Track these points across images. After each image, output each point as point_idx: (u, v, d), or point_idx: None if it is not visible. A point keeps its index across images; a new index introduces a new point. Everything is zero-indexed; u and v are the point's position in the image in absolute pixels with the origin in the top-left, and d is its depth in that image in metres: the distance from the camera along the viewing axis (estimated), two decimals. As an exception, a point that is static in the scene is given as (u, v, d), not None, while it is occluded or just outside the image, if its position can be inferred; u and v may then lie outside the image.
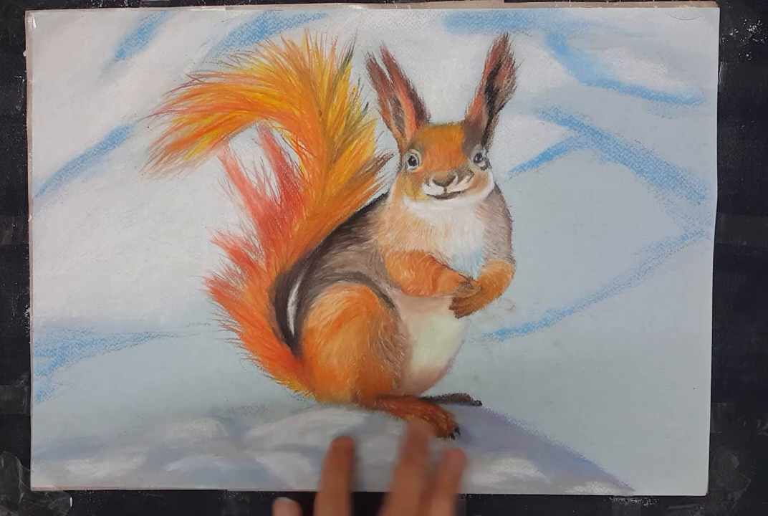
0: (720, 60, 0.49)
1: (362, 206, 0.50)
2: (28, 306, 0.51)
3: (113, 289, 0.50)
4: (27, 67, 0.50)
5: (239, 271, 0.50)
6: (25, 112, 0.50)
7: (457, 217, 0.49)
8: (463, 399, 0.50)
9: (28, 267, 0.51)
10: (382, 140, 0.49)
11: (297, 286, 0.50)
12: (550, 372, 0.49)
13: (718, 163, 0.49)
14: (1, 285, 0.52)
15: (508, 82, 0.49)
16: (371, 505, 0.51)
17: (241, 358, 0.50)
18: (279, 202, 0.50)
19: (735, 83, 0.49)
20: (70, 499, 0.51)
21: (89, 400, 0.51)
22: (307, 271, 0.50)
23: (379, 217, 0.50)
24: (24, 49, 0.50)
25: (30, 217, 0.51)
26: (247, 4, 0.50)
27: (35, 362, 0.51)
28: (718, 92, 0.49)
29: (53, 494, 0.51)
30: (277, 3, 0.49)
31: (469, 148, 0.48)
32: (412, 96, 0.49)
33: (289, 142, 0.49)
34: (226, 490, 0.51)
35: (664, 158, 0.49)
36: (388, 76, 0.49)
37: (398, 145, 0.49)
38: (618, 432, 0.50)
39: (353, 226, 0.50)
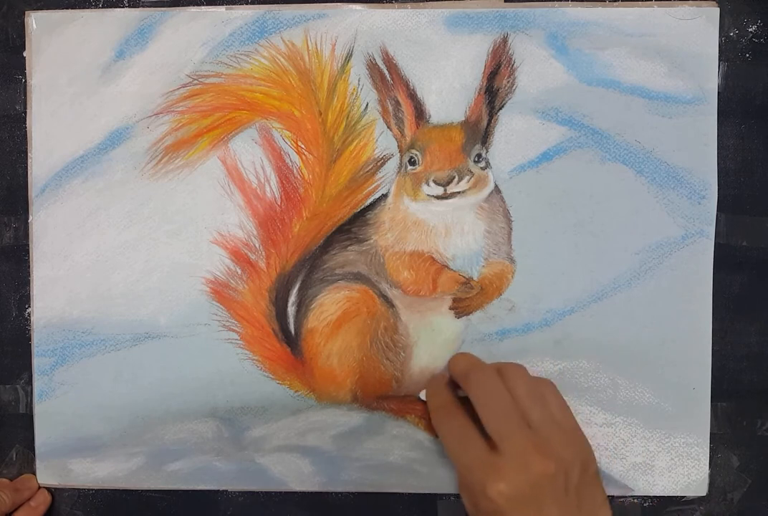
0: (720, 60, 0.49)
1: (362, 206, 0.50)
2: (29, 306, 0.51)
3: (113, 290, 0.50)
4: (27, 68, 0.50)
5: (239, 272, 0.50)
6: (25, 112, 0.50)
7: (457, 218, 0.49)
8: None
9: (29, 267, 0.51)
10: (382, 140, 0.49)
11: (297, 286, 0.50)
12: (549, 372, 0.49)
13: (718, 163, 0.49)
14: (1, 285, 0.52)
15: (508, 82, 0.49)
16: (372, 505, 0.51)
17: (241, 359, 0.50)
18: (279, 203, 0.50)
19: (735, 83, 0.49)
20: (76, 495, 0.52)
21: (90, 400, 0.51)
22: (307, 271, 0.50)
23: (379, 217, 0.50)
24: (24, 49, 0.50)
25: (30, 217, 0.51)
26: (247, 4, 0.50)
27: (36, 362, 0.51)
28: (718, 92, 0.49)
29: (58, 490, 0.52)
30: (277, 3, 0.49)
31: (469, 148, 0.48)
32: (412, 96, 0.49)
33: (289, 143, 0.49)
34: (226, 491, 0.51)
35: (664, 158, 0.49)
36: (388, 77, 0.49)
37: (398, 146, 0.49)
38: (617, 432, 0.50)
39: (353, 227, 0.50)
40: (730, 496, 0.50)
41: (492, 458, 0.40)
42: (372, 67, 0.49)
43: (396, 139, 0.49)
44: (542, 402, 0.42)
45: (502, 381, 0.43)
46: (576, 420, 0.43)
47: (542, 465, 0.39)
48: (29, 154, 0.50)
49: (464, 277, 0.49)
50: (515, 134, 0.49)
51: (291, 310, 0.50)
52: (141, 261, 0.50)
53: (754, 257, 0.50)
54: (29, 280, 0.51)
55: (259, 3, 0.50)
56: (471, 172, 0.48)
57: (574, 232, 0.49)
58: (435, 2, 0.49)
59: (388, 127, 0.49)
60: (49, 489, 0.51)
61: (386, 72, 0.49)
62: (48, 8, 0.50)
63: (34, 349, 0.51)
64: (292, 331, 0.50)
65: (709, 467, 0.50)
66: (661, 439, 0.50)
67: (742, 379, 0.50)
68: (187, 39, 0.49)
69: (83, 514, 0.52)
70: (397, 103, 0.49)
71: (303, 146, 0.49)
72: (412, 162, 0.48)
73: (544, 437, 0.40)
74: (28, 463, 0.52)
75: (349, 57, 0.49)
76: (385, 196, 0.50)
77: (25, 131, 0.50)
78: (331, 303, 0.50)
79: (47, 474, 0.51)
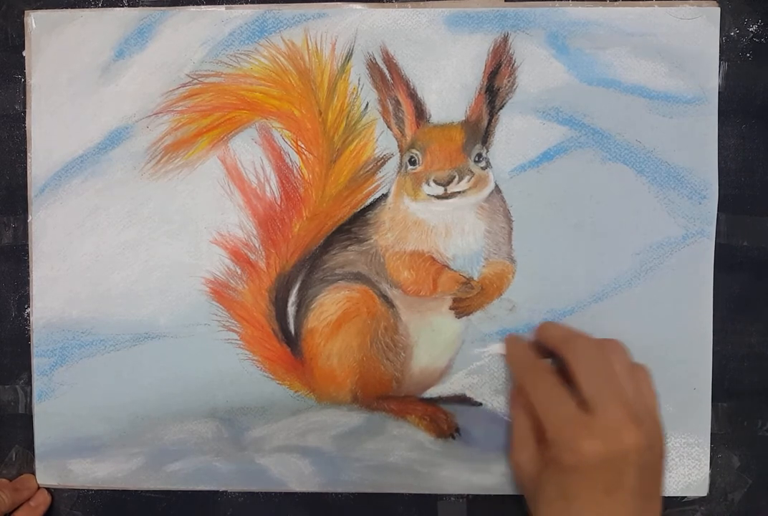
0: (721, 60, 0.49)
1: (362, 206, 0.50)
2: (28, 306, 0.51)
3: (113, 290, 0.50)
4: (26, 67, 0.50)
5: (239, 272, 0.50)
6: (24, 112, 0.50)
7: (457, 217, 0.49)
8: (463, 399, 0.50)
9: (28, 267, 0.51)
10: (382, 140, 0.49)
11: (297, 286, 0.50)
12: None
13: (718, 163, 0.49)
14: (0, 285, 0.52)
15: (509, 81, 0.49)
16: (372, 506, 0.51)
17: (241, 359, 0.50)
18: (279, 203, 0.50)
19: (736, 83, 0.49)
20: (76, 496, 0.52)
21: (90, 400, 0.51)
22: (307, 271, 0.50)
23: (379, 217, 0.49)
24: (23, 48, 0.50)
25: (29, 217, 0.51)
26: (246, 3, 0.49)
27: (36, 362, 0.51)
28: (719, 92, 0.49)
29: (58, 491, 0.52)
30: (277, 3, 0.49)
31: (469, 148, 0.48)
32: (412, 96, 0.49)
33: (289, 142, 0.49)
34: (225, 491, 0.51)
35: (664, 158, 0.49)
36: (388, 76, 0.49)
37: (398, 145, 0.49)
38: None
39: (353, 227, 0.50)
40: (730, 497, 0.50)
41: (587, 418, 0.40)
42: (372, 66, 0.49)
43: (396, 138, 0.49)
44: (637, 382, 0.43)
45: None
46: (660, 413, 0.44)
47: (635, 436, 0.40)
48: (28, 154, 0.50)
49: (464, 277, 0.49)
50: (516, 134, 0.49)
51: (291, 310, 0.50)
52: (141, 261, 0.50)
53: (755, 257, 0.50)
54: (28, 280, 0.51)
55: (259, 2, 0.49)
56: (471, 171, 0.48)
57: (575, 232, 0.49)
58: (435, 2, 0.49)
59: (389, 127, 0.49)
60: (48, 489, 0.51)
61: (386, 71, 0.49)
62: (47, 8, 0.50)
63: (34, 350, 0.51)
64: (292, 332, 0.50)
65: (710, 467, 0.50)
66: (662, 440, 0.50)
67: (743, 379, 0.50)
68: (186, 38, 0.49)
69: (83, 514, 0.52)
70: (398, 102, 0.49)
71: (303, 146, 0.49)
72: (413, 162, 0.48)
73: (637, 412, 0.41)
74: (27, 463, 0.52)
75: (349, 56, 0.49)
76: (385, 195, 0.50)
77: (25, 131, 0.50)
78: (331, 303, 0.49)
79: (47, 474, 0.51)
